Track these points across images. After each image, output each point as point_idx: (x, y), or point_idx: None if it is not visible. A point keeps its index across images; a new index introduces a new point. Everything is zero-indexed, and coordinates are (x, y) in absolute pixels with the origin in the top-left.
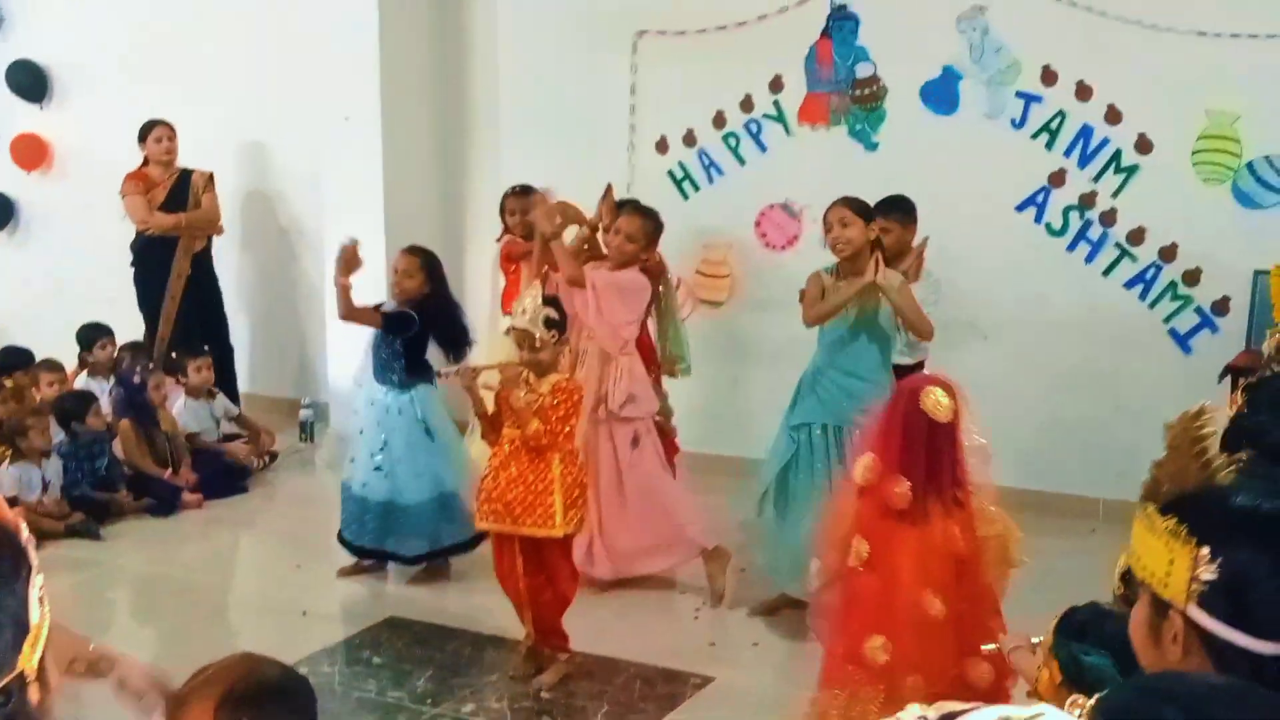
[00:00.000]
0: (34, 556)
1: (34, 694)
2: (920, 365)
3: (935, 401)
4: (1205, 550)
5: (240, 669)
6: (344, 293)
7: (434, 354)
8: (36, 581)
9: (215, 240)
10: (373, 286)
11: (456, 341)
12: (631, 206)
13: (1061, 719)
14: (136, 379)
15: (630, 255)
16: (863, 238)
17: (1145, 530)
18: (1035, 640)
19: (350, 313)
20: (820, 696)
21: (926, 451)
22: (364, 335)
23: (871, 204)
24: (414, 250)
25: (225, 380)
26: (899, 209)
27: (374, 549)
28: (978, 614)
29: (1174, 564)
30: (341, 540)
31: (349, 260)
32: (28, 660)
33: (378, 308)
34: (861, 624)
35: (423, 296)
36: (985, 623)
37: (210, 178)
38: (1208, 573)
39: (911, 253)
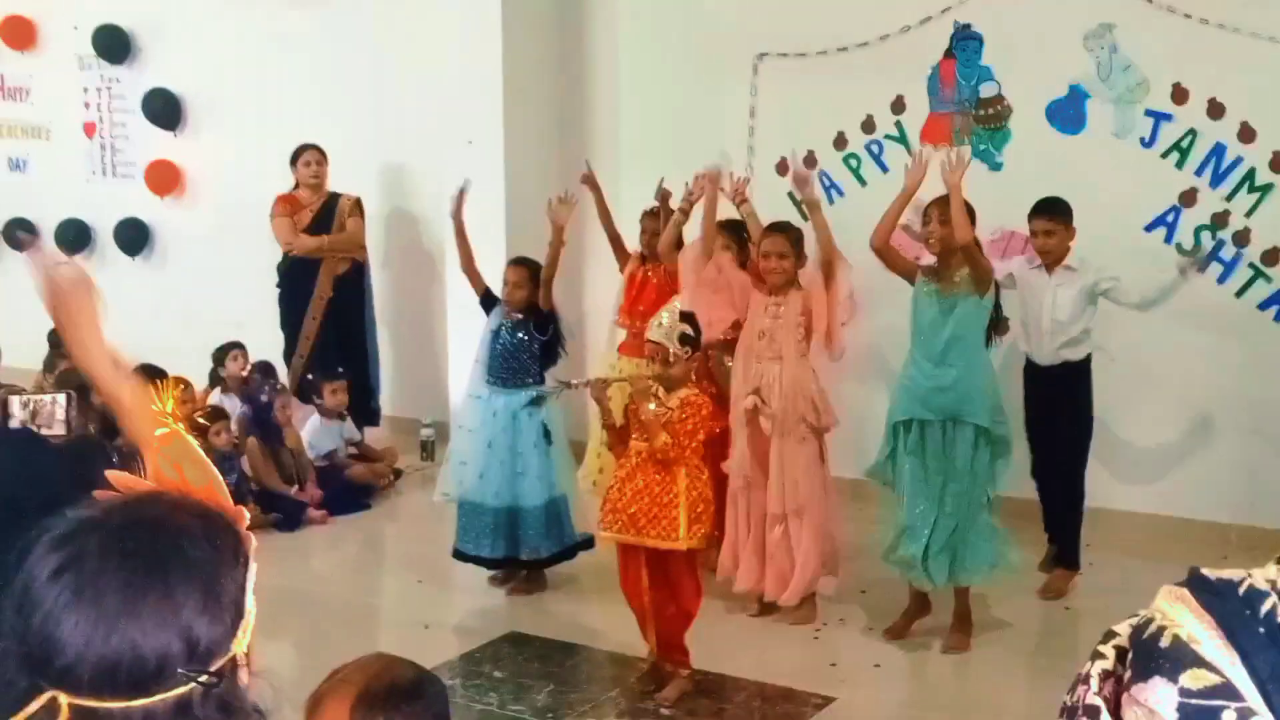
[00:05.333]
0: (252, 547)
1: (244, 677)
2: (1089, 358)
3: None
4: None
5: (376, 667)
6: (461, 232)
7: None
8: (253, 570)
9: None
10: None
11: (558, 351)
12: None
13: None
14: (264, 398)
15: (791, 272)
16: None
17: None
18: None
19: (469, 263)
20: None
21: None
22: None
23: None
24: (524, 261)
25: (364, 403)
26: (1062, 211)
27: (503, 558)
28: None
29: None
30: (465, 556)
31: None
32: (240, 645)
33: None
34: None
35: (534, 306)
36: None
37: (357, 202)
38: None
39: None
